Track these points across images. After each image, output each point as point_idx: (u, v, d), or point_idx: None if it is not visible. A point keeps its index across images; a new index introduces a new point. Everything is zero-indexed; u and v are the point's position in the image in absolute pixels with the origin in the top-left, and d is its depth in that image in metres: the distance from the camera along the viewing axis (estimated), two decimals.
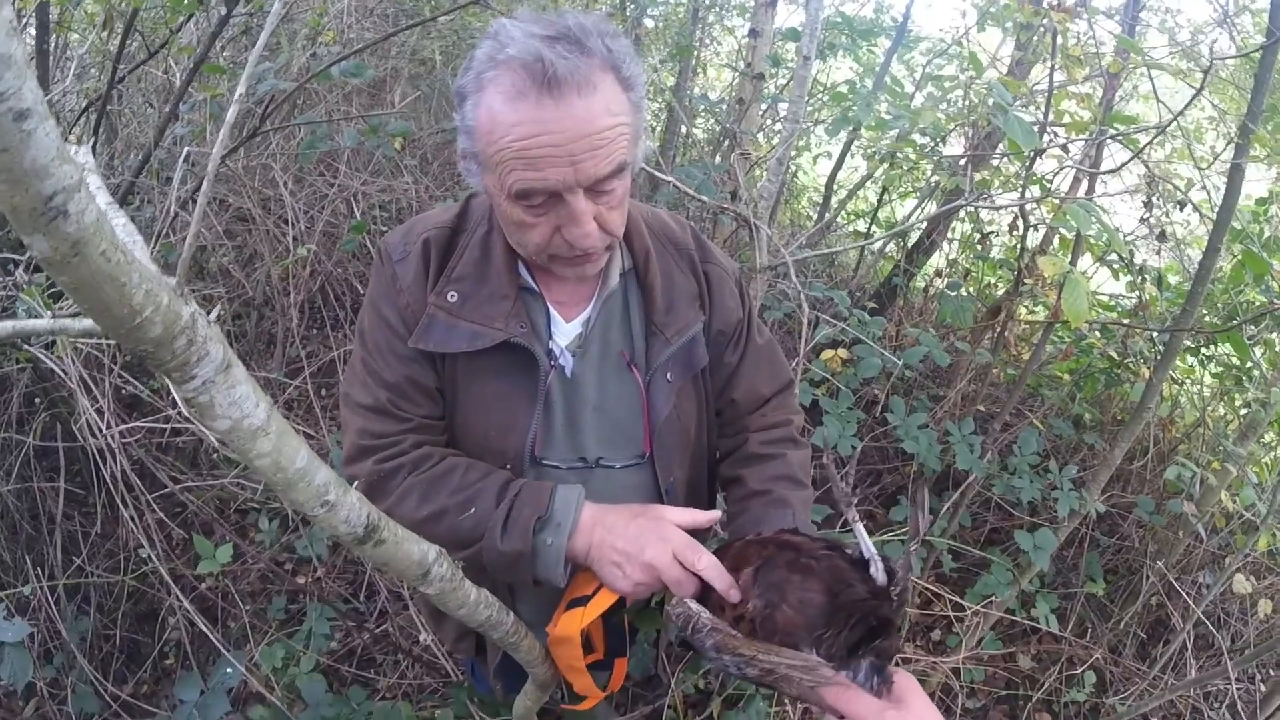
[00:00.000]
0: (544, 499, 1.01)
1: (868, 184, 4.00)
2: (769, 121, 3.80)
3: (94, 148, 2.48)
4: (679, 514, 1.04)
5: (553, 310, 1.10)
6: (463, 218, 1.10)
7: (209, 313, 0.68)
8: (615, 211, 0.96)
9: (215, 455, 2.46)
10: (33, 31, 2.45)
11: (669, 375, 1.12)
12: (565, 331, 1.10)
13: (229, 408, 0.64)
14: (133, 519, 2.09)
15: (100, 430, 2.06)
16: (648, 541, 0.98)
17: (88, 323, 0.63)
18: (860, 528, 0.86)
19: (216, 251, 2.81)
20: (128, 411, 2.39)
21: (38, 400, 2.37)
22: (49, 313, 1.98)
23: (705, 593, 0.95)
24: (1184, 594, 2.36)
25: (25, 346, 2.13)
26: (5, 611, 1.54)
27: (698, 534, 1.31)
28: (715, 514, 1.08)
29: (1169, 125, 1.82)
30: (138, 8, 2.25)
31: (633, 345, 1.13)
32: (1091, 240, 2.63)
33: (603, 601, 1.05)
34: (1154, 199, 2.81)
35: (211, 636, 1.92)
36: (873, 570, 0.83)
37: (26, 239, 0.47)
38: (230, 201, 2.85)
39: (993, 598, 2.21)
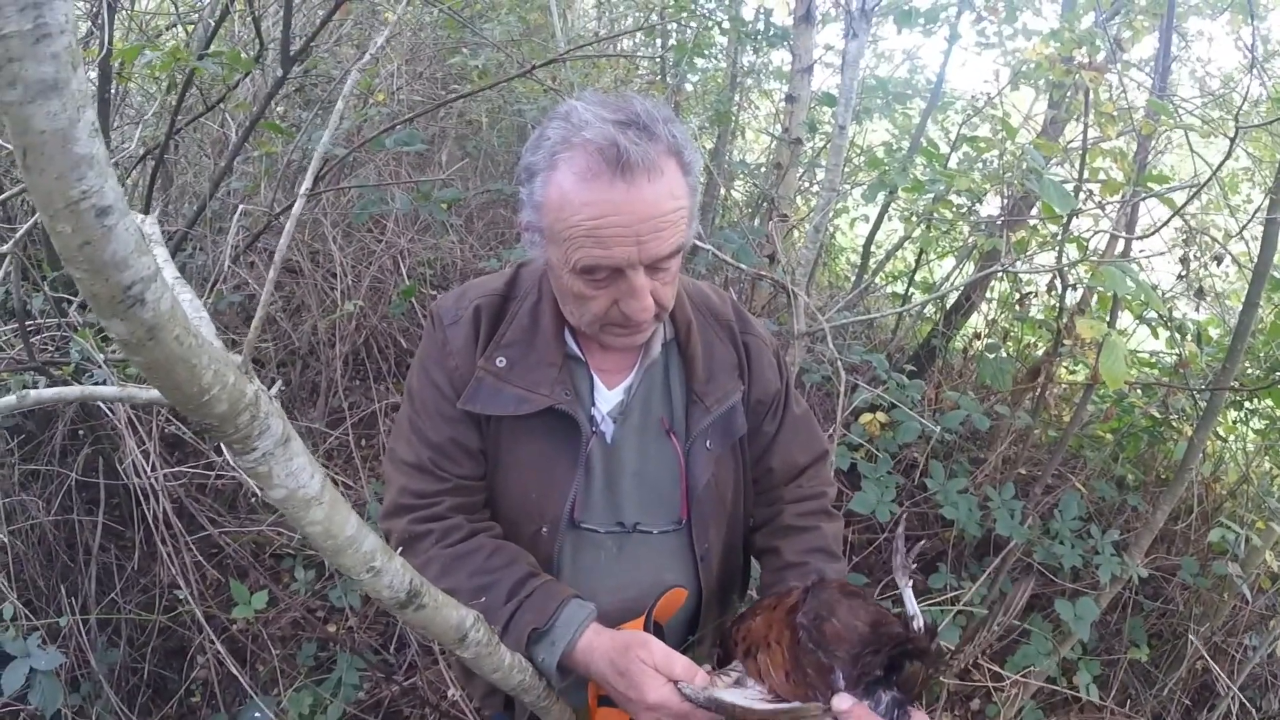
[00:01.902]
0: (549, 611, 1.01)
1: (905, 245, 4.01)
2: (806, 184, 3.84)
3: (149, 194, 2.59)
4: (659, 657, 0.97)
5: (596, 378, 1.12)
6: (513, 285, 1.14)
7: (270, 386, 0.71)
8: (669, 287, 1.00)
9: (254, 500, 2.50)
10: (94, 78, 2.58)
11: (708, 443, 1.14)
12: (608, 398, 1.13)
13: (286, 478, 0.67)
14: (169, 557, 2.13)
15: (145, 471, 2.12)
16: (646, 687, 0.94)
17: (154, 393, 0.66)
18: (909, 589, 0.90)
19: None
20: (170, 451, 2.44)
21: (82, 434, 2.43)
22: (102, 355, 2.05)
23: (725, 638, 0.98)
24: (1228, 657, 2.27)
25: (76, 384, 2.21)
26: (39, 640, 1.57)
27: (728, 587, 1.31)
28: (690, 669, 0.98)
29: (1200, 188, 1.81)
30: (195, 71, 2.37)
31: (673, 413, 1.15)
32: (1129, 300, 2.60)
33: None
34: (1191, 254, 2.78)
35: (240, 679, 1.93)
36: (915, 625, 0.86)
37: (105, 323, 0.50)
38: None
39: (1031, 667, 2.14)
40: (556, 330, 1.09)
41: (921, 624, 0.86)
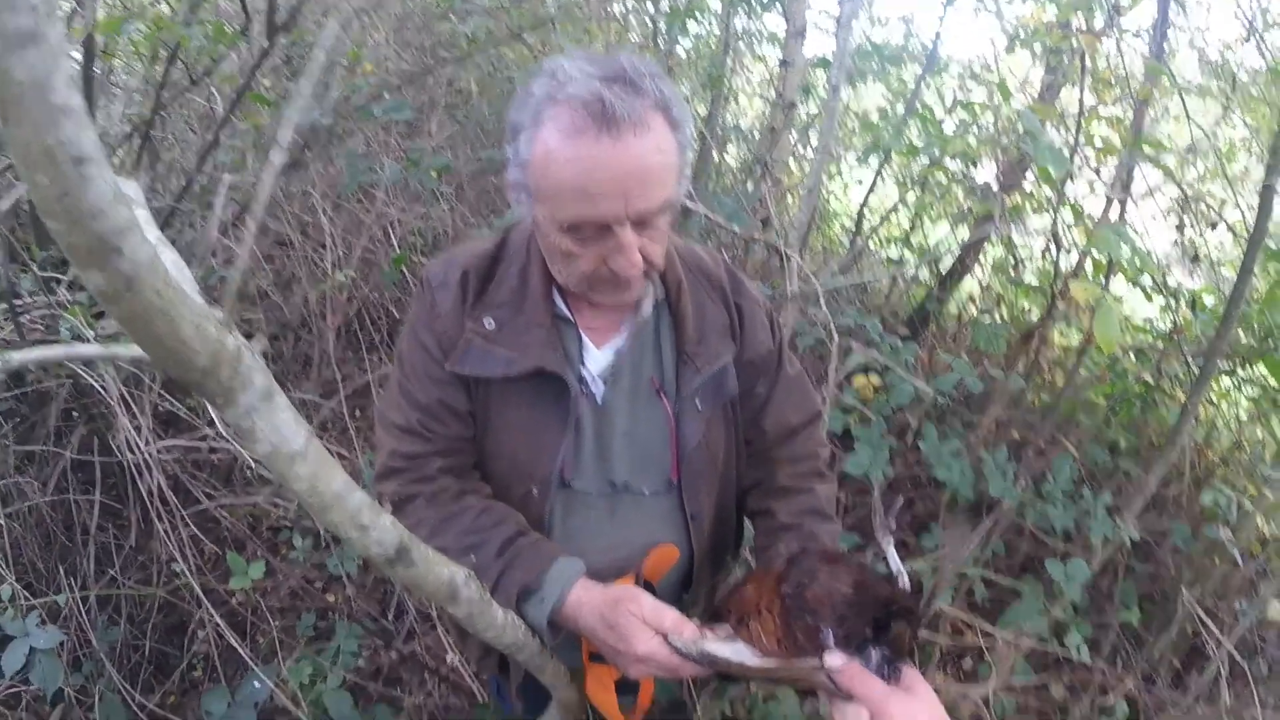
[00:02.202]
0: (537, 569, 1.02)
1: (899, 210, 3.99)
2: (800, 149, 3.81)
3: (135, 168, 2.57)
4: (648, 609, 0.98)
5: (585, 338, 1.12)
6: (502, 248, 1.14)
7: (251, 340, 0.71)
8: (657, 244, 0.99)
9: (249, 473, 2.50)
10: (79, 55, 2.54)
11: (699, 404, 1.13)
12: (597, 359, 1.13)
13: (270, 433, 0.67)
14: (166, 533, 2.13)
15: (138, 446, 2.12)
16: (635, 639, 0.95)
17: (136, 350, 0.65)
18: (891, 547, 0.90)
19: (255, 275, 2.89)
20: (165, 428, 2.44)
21: (75, 414, 2.43)
22: (93, 332, 2.04)
23: (719, 610, 0.98)
24: (1219, 621, 2.29)
25: (66, 363, 2.20)
26: (38, 619, 1.58)
27: (718, 556, 1.31)
28: (680, 622, 0.98)
29: (1196, 149, 1.80)
30: (181, 42, 2.34)
31: (663, 374, 1.14)
32: (1124, 264, 2.59)
33: None
34: (1186, 220, 2.77)
35: (240, 651, 1.95)
36: (900, 583, 0.87)
37: (83, 274, 0.49)
38: (270, 226, 2.92)
39: (1024, 627, 2.16)
40: (545, 291, 1.08)
41: (906, 582, 0.87)
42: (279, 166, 0.76)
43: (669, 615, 0.96)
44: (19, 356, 0.78)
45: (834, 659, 0.82)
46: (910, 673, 0.84)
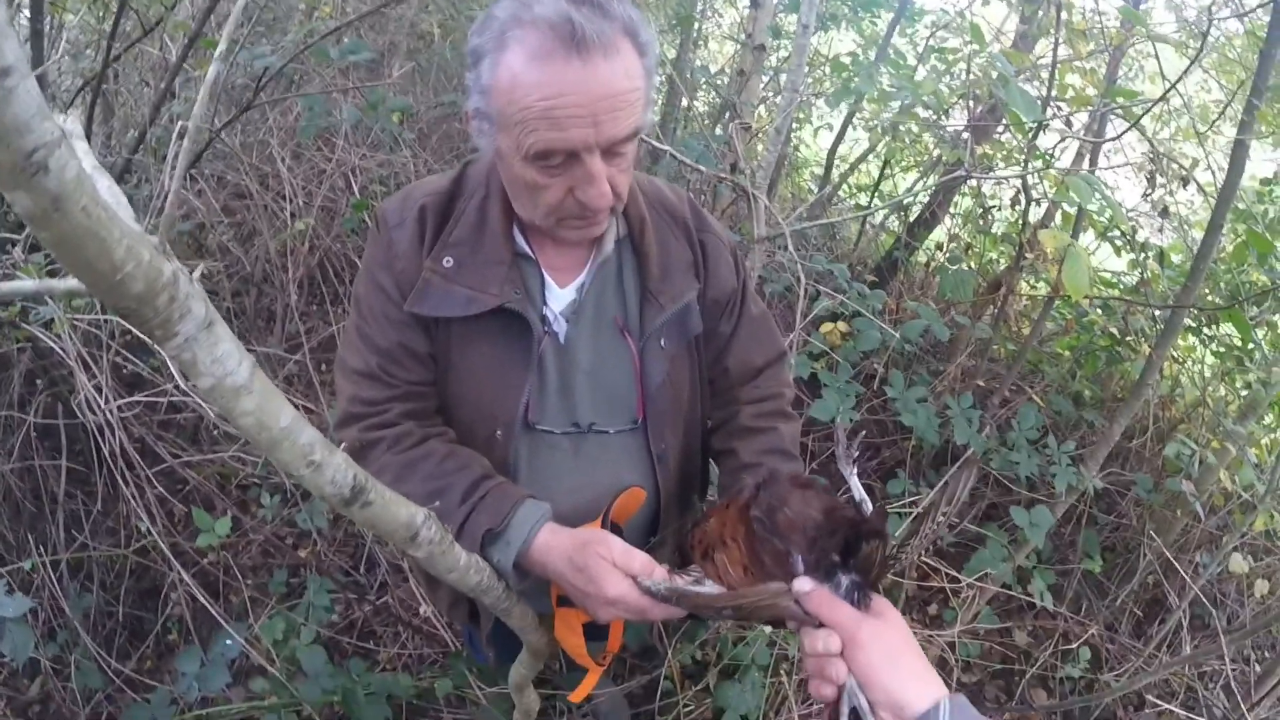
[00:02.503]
0: (503, 512, 1.00)
1: (869, 158, 3.97)
2: (770, 95, 3.76)
3: (89, 125, 2.47)
4: (618, 552, 0.97)
5: (547, 276, 1.10)
6: (459, 183, 1.10)
7: (192, 273, 0.68)
8: (624, 175, 0.97)
9: (216, 432, 2.47)
10: (27, 14, 2.43)
11: (662, 342, 1.12)
12: (560, 297, 1.11)
13: (212, 365, 0.64)
14: (133, 495, 2.10)
15: (99, 406, 2.07)
16: (605, 582, 0.95)
17: (73, 282, 0.63)
18: (854, 476, 0.91)
19: (215, 229, 2.81)
20: (128, 390, 2.39)
21: (38, 381, 2.38)
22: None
23: (686, 549, 0.98)
24: (1181, 573, 2.37)
25: (23, 325, 2.14)
26: (6, 587, 1.55)
27: (687, 491, 1.32)
28: (649, 564, 0.98)
29: (1168, 94, 1.80)
30: None
31: (626, 312, 1.13)
32: (1094, 216, 2.61)
33: None
34: (1157, 175, 2.78)
35: (212, 610, 1.93)
36: (864, 509, 0.87)
37: (9, 195, 0.47)
38: (228, 178, 2.84)
39: (989, 573, 2.21)
40: (505, 227, 1.05)
41: (869, 507, 0.87)
42: (212, 80, 0.72)
43: (638, 558, 0.96)
44: None
45: (803, 583, 0.81)
46: (879, 600, 0.84)
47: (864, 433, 1.05)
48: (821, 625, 0.81)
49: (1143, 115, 1.89)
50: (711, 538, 0.94)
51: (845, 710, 0.77)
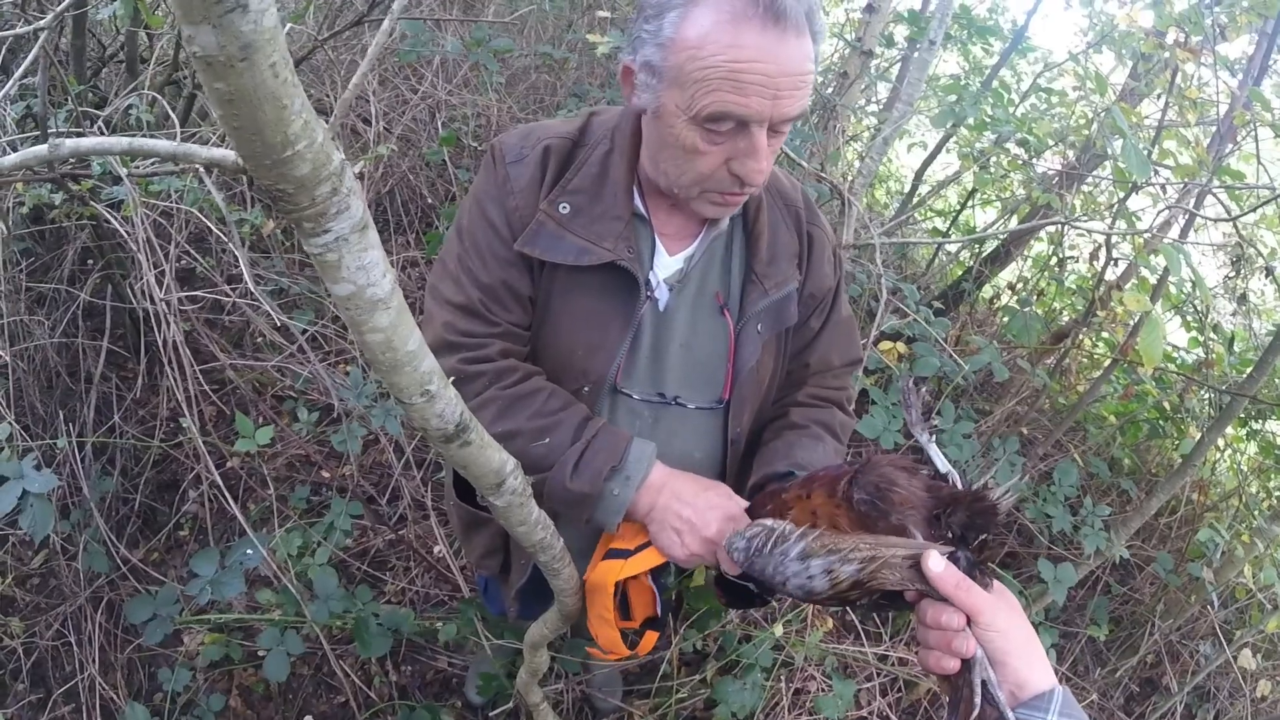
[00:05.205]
0: (619, 448, 1.02)
1: (952, 185, 3.90)
2: (864, 102, 3.69)
3: None
4: (735, 508, 1.04)
5: (659, 241, 1.09)
6: (584, 132, 1.08)
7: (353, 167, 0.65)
8: (773, 156, 0.95)
9: (260, 339, 2.48)
10: None
11: (759, 327, 1.11)
12: (667, 264, 1.09)
13: (355, 271, 0.60)
14: (174, 386, 2.11)
15: (158, 295, 2.07)
16: (715, 518, 0.99)
17: (218, 152, 0.56)
18: (934, 446, 0.87)
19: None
20: (181, 285, 2.40)
21: (91, 261, 2.38)
22: (125, 170, 1.97)
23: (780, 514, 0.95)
24: (1180, 658, 2.34)
25: (91, 203, 2.13)
26: (35, 462, 1.54)
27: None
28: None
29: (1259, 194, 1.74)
30: None
31: (729, 290, 1.12)
32: (1172, 288, 2.55)
33: (646, 560, 1.06)
34: (1243, 260, 2.72)
35: (236, 514, 1.94)
36: (953, 481, 0.84)
37: (191, 29, 0.40)
38: (313, 93, 2.83)
39: None
40: (626, 185, 1.03)
41: (958, 479, 0.84)
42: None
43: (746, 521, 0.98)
44: (71, 145, 0.70)
45: (935, 562, 0.76)
46: (997, 584, 0.81)
47: (925, 388, 1.00)
48: (942, 599, 0.77)
49: (1262, 204, 1.83)
50: (797, 524, 0.90)
51: (977, 682, 0.75)
